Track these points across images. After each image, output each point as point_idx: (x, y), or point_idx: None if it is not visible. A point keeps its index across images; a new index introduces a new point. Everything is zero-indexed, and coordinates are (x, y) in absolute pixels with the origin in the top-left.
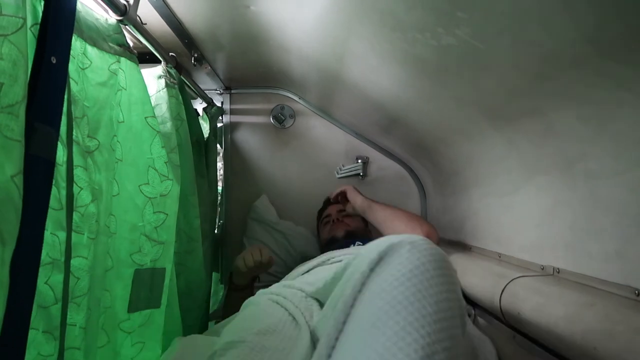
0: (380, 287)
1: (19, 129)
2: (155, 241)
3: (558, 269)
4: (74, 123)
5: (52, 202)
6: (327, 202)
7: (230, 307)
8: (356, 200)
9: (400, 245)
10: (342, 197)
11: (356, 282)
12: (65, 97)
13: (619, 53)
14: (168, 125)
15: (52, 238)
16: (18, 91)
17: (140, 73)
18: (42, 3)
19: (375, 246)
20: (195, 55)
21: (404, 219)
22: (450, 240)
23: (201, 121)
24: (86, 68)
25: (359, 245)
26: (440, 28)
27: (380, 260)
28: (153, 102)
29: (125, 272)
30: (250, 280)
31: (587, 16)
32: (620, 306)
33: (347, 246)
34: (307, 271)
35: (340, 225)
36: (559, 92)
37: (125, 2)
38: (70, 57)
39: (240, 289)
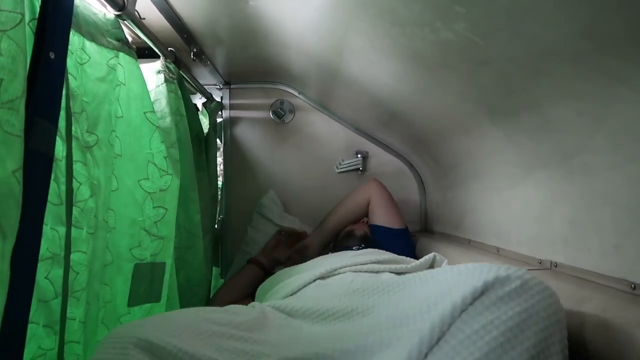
0: (487, 323)
1: (19, 124)
2: (155, 236)
3: (556, 262)
4: (73, 118)
5: (52, 197)
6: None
7: (240, 276)
8: (310, 240)
9: (511, 280)
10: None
11: (456, 306)
12: (64, 92)
13: (615, 48)
14: (167, 120)
15: (52, 233)
16: (18, 86)
17: (139, 68)
18: None
19: (479, 273)
20: (194, 50)
21: (350, 197)
22: (449, 235)
23: (201, 116)
24: (85, 63)
25: (362, 248)
26: (439, 23)
27: (485, 290)
28: (152, 97)
29: (125, 266)
30: (270, 265)
31: (584, 11)
32: (617, 299)
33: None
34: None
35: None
36: (557, 87)
37: None
38: (69, 52)
39: (259, 267)
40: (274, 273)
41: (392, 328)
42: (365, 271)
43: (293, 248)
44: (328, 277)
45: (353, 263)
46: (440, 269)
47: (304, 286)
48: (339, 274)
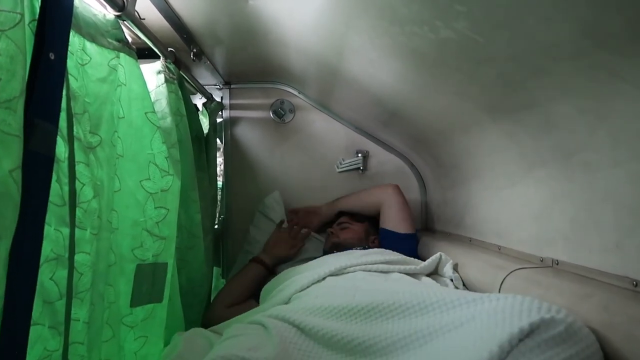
0: None
1: (16, 124)
2: (157, 236)
3: (557, 260)
4: (74, 119)
5: (55, 198)
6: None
7: (243, 276)
8: (320, 207)
9: (556, 323)
10: (305, 215)
11: (503, 348)
12: (65, 93)
13: (616, 46)
14: (168, 121)
15: (56, 234)
16: (16, 86)
17: (139, 68)
18: None
19: (520, 312)
20: (194, 50)
21: (367, 193)
22: (450, 233)
23: (201, 116)
24: (86, 64)
25: (358, 249)
26: (438, 21)
27: (531, 332)
28: (153, 98)
29: (127, 267)
30: (273, 263)
31: (584, 9)
32: (618, 297)
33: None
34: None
35: (331, 236)
36: (558, 85)
37: None
38: (69, 53)
39: (262, 265)
40: (276, 273)
41: None
42: (375, 271)
43: (304, 208)
44: (339, 274)
45: (362, 262)
46: (476, 296)
47: (314, 283)
48: (349, 272)
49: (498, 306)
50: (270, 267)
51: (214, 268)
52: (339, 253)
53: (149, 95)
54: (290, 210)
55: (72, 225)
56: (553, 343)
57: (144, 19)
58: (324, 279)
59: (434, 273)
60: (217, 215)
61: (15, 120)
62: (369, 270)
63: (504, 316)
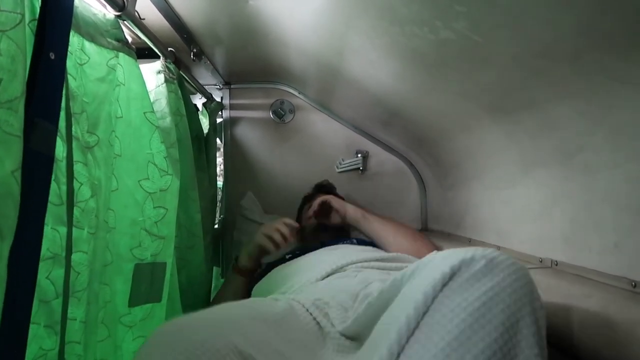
0: (455, 306)
1: (18, 124)
2: (156, 236)
3: (556, 261)
4: (73, 119)
5: (53, 198)
6: (308, 198)
7: (228, 293)
8: (347, 209)
9: (475, 261)
10: (326, 208)
11: (427, 295)
12: (64, 92)
13: (616, 47)
14: (167, 121)
15: (53, 233)
16: (17, 86)
17: (138, 68)
18: None
19: (445, 259)
20: (194, 50)
21: (409, 237)
22: (450, 234)
23: (201, 116)
24: (84, 64)
25: (353, 242)
26: (438, 22)
27: (453, 275)
28: (152, 98)
29: (125, 266)
30: (257, 264)
31: (585, 10)
32: (617, 298)
33: (335, 242)
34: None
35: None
36: (557, 86)
37: None
38: (68, 53)
39: (246, 274)
40: (263, 270)
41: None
42: (372, 268)
43: (322, 198)
44: (337, 272)
45: (359, 260)
46: (423, 261)
47: (313, 282)
48: (348, 270)
49: (435, 259)
50: (249, 271)
51: (214, 268)
52: (331, 247)
53: (148, 95)
54: (321, 201)
55: (70, 225)
56: (474, 280)
57: (144, 18)
58: (323, 278)
59: None
60: (217, 215)
61: (16, 121)
62: (368, 268)
63: (434, 265)
